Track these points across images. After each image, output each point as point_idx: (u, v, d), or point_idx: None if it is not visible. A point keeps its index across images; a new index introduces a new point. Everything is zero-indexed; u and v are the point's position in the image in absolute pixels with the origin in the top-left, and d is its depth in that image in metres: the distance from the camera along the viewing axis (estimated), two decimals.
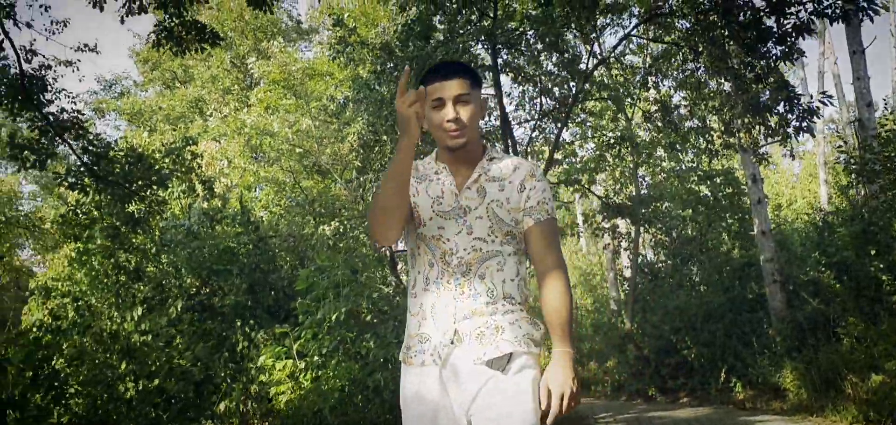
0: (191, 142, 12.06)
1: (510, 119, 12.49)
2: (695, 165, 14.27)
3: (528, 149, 12.62)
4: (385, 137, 11.69)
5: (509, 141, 11.54)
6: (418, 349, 2.28)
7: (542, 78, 11.48)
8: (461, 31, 10.80)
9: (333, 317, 7.28)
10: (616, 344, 15.83)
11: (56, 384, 8.51)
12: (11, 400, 6.58)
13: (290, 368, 8.16)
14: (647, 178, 17.24)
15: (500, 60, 11.42)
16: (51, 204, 14.92)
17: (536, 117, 12.11)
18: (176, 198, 12.40)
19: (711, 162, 12.55)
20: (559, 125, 11.39)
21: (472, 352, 2.19)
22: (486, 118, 12.27)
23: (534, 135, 12.43)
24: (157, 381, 9.16)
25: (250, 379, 8.57)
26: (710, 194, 14.08)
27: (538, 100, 11.94)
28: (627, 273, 17.30)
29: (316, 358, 7.85)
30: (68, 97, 9.93)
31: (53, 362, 9.09)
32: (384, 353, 6.86)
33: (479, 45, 11.29)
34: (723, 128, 10.36)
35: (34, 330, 10.12)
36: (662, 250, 15.67)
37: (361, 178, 12.65)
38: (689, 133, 11.37)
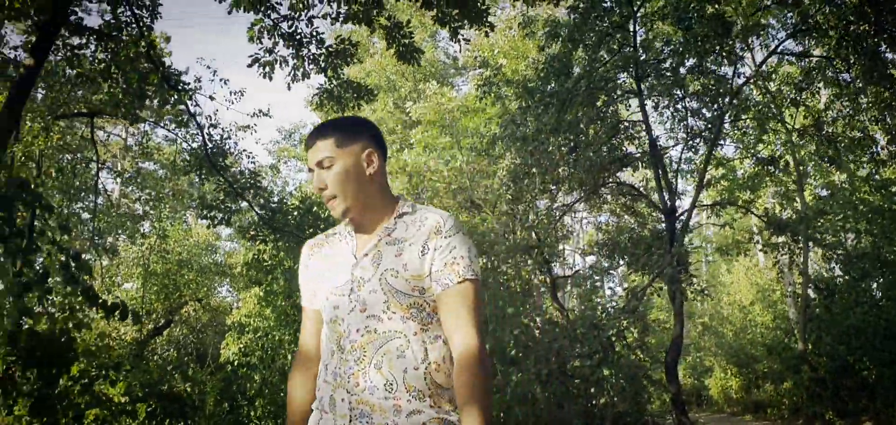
0: None
1: (661, 143, 12.43)
2: (867, 175, 13.36)
3: (679, 168, 12.48)
4: (534, 170, 12.06)
5: (658, 166, 11.52)
6: None
7: (688, 100, 11.38)
8: (602, 64, 10.97)
9: None
10: (791, 364, 15.06)
11: (243, 416, 9.62)
12: None
13: None
14: (819, 190, 16.30)
15: (645, 86, 11.46)
16: (245, 246, 16.67)
17: (686, 139, 11.97)
18: None
19: (878, 171, 11.75)
20: (708, 146, 11.21)
21: None
22: (634, 142, 12.30)
23: (683, 155, 12.30)
24: None
25: None
26: (885, 204, 13.11)
27: (686, 122, 11.81)
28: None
29: None
30: (248, 157, 11.20)
31: (247, 392, 10.29)
32: (522, 389, 7.20)
33: (622, 75, 11.39)
34: (888, 138, 9.78)
35: (229, 365, 11.47)
36: (838, 265, 14.75)
37: (514, 208, 13.09)
38: (849, 146, 10.77)
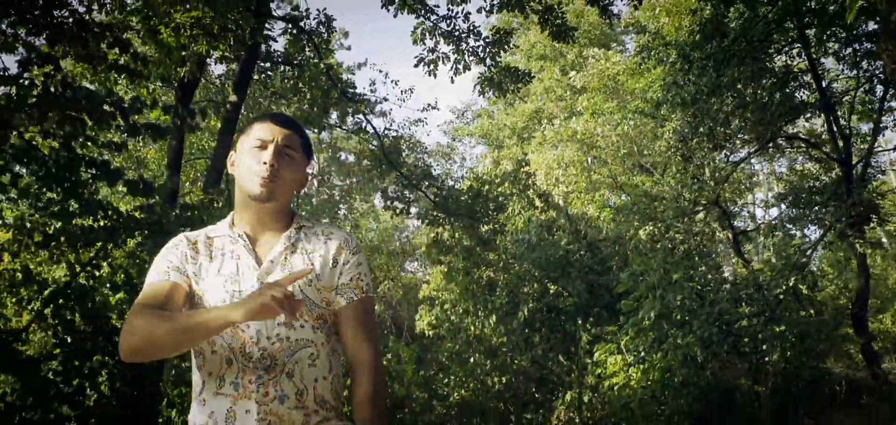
0: (524, 162, 13.75)
1: (834, 89, 11.89)
2: None
3: (855, 113, 11.86)
4: (701, 129, 11.99)
5: (830, 113, 11.08)
6: None
7: (860, 42, 10.80)
8: (761, 17, 10.69)
9: (645, 319, 8.12)
10: None
11: (437, 381, 10.64)
12: (398, 401, 8.59)
13: (621, 363, 9.15)
14: None
15: (810, 33, 11.03)
16: (423, 232, 17.93)
17: (861, 83, 11.36)
18: (517, 215, 14.16)
19: None
20: (885, 87, 10.61)
21: None
22: (804, 91, 11.84)
23: (857, 99, 11.66)
24: (506, 377, 10.87)
25: (585, 371, 9.76)
26: None
27: (859, 65, 11.20)
28: None
29: (642, 353, 8.73)
30: (421, 148, 12.21)
31: (440, 359, 11.37)
32: (685, 351, 7.51)
33: (785, 24, 11.01)
34: None
35: (423, 336, 12.62)
36: None
37: (685, 168, 13.07)
38: None
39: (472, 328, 12.18)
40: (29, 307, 5.46)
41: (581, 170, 17.01)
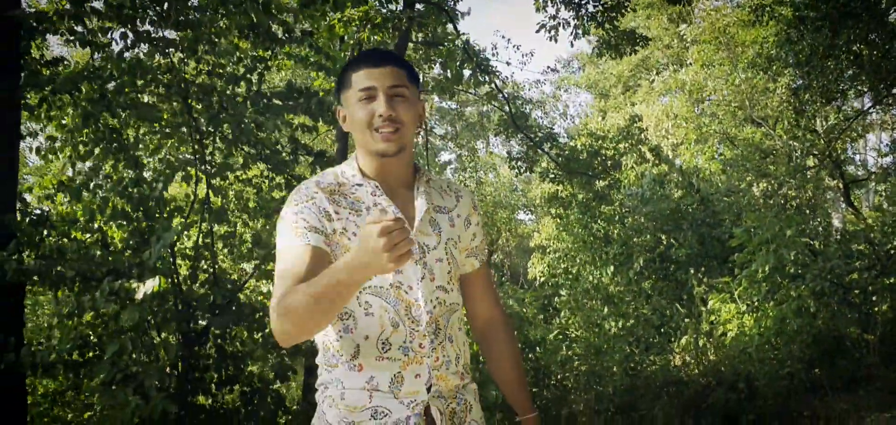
0: (636, 118, 14.44)
1: None
2: None
3: None
4: (814, 85, 12.28)
5: None
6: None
7: None
8: None
9: (759, 272, 8.82)
10: None
11: (557, 326, 11.68)
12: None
13: (734, 311, 9.87)
14: None
15: None
16: (535, 183, 18.86)
17: None
18: (630, 169, 14.86)
19: None
20: None
21: None
22: None
23: None
24: (631, 322, 11.76)
25: (699, 319, 10.54)
26: None
27: None
28: None
29: (755, 303, 9.43)
30: (539, 107, 13.11)
31: (556, 305, 12.41)
32: (798, 304, 8.19)
33: None
34: None
35: (538, 282, 13.62)
36: None
37: (798, 121, 13.41)
38: None
39: (590, 278, 13.05)
40: (256, 263, 6.73)
41: (691, 125, 17.41)
